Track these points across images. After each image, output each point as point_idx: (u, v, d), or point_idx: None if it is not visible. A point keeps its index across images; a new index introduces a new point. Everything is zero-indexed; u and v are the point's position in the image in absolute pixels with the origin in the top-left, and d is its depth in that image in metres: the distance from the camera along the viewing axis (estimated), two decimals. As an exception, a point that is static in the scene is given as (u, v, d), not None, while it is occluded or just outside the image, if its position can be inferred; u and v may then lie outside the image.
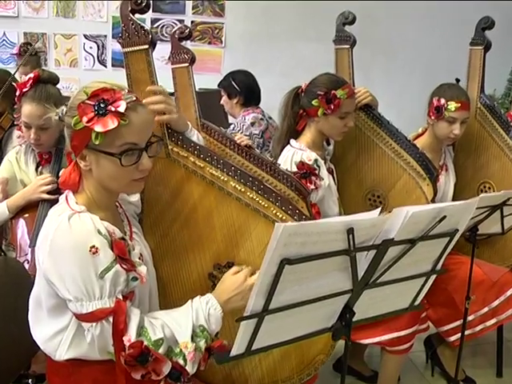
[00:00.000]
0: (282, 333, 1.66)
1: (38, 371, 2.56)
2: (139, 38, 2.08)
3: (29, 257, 2.71)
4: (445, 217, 1.61)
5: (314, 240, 1.43)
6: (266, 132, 4.38)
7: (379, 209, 1.55)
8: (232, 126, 4.34)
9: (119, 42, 2.11)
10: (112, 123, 1.71)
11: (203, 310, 1.86)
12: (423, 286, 1.86)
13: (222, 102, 4.58)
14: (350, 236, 1.45)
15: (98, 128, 1.71)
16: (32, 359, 2.46)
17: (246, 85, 4.51)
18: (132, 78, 2.11)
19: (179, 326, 1.82)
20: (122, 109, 1.73)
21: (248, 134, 4.21)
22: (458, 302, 3.12)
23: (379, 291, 1.72)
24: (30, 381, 2.59)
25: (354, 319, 1.73)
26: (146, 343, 1.74)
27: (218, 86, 4.59)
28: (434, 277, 1.86)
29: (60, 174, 1.95)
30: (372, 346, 3.14)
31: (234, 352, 1.59)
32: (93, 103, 1.74)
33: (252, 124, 4.34)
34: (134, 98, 1.80)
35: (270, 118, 4.50)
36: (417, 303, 1.92)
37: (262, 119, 4.39)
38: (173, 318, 1.84)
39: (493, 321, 3.21)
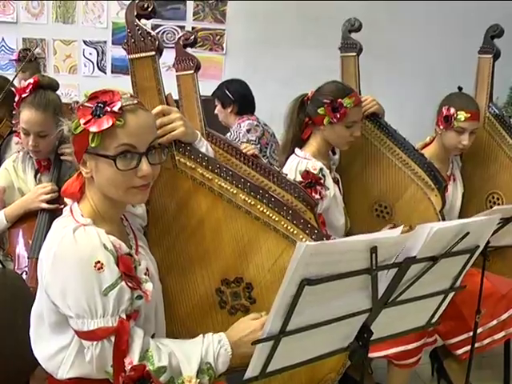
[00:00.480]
0: (297, 354, 1.61)
1: (37, 387, 2.52)
2: (145, 45, 2.03)
3: (27, 268, 2.65)
4: (468, 233, 1.55)
5: (335, 259, 1.38)
6: (262, 138, 4.38)
7: (401, 226, 1.50)
8: (228, 134, 4.31)
9: (124, 48, 2.05)
10: (107, 123, 1.66)
11: (214, 347, 1.81)
12: (441, 303, 1.81)
13: (216, 111, 4.56)
14: (373, 255, 1.40)
15: (93, 128, 1.67)
16: (30, 375, 2.41)
17: (240, 94, 4.51)
18: (138, 86, 2.05)
19: (187, 358, 1.77)
20: (116, 108, 1.68)
21: (245, 140, 4.19)
22: (466, 315, 3.07)
23: (397, 310, 1.67)
24: (28, 396, 2.54)
25: (371, 338, 1.68)
26: (148, 368, 1.68)
27: (212, 95, 4.55)
28: (452, 294, 1.81)
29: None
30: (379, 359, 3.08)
31: (248, 374, 1.54)
32: (92, 105, 1.70)
33: (248, 131, 4.34)
34: (136, 102, 1.75)
35: (266, 124, 4.51)
36: (434, 320, 1.87)
37: (257, 125, 4.40)
38: (182, 349, 1.79)
39: (501, 334, 3.15)
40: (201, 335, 1.85)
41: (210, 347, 1.80)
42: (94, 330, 1.66)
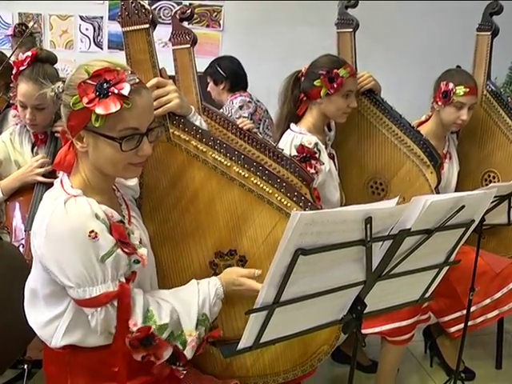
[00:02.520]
0: (291, 325, 1.61)
1: (34, 357, 2.55)
2: (139, 17, 2.02)
3: (24, 241, 2.66)
4: (463, 206, 1.55)
5: (330, 229, 1.37)
6: (254, 114, 4.38)
7: (396, 198, 1.50)
8: (220, 111, 4.28)
9: (118, 21, 2.04)
10: (114, 106, 1.64)
11: (211, 299, 1.88)
12: (435, 277, 1.81)
13: (208, 88, 4.55)
14: (368, 226, 1.39)
15: (99, 110, 1.64)
16: (27, 346, 2.42)
17: (232, 70, 4.50)
18: (132, 59, 2.04)
19: (186, 312, 1.82)
20: (125, 91, 1.65)
21: (237, 117, 4.17)
22: (459, 293, 3.09)
23: (391, 283, 1.67)
24: (25, 366, 2.57)
25: (365, 311, 1.68)
26: (153, 329, 1.73)
27: (204, 73, 4.53)
28: (446, 268, 1.81)
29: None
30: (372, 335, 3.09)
31: (241, 345, 1.54)
32: (94, 83, 1.66)
33: (240, 107, 4.34)
34: (138, 80, 1.73)
35: (258, 100, 4.51)
36: (427, 295, 1.87)
37: (249, 102, 4.39)
38: (181, 302, 1.84)
39: (494, 313, 3.16)
40: (194, 282, 1.93)
41: (207, 299, 1.87)
42: (97, 296, 1.68)
